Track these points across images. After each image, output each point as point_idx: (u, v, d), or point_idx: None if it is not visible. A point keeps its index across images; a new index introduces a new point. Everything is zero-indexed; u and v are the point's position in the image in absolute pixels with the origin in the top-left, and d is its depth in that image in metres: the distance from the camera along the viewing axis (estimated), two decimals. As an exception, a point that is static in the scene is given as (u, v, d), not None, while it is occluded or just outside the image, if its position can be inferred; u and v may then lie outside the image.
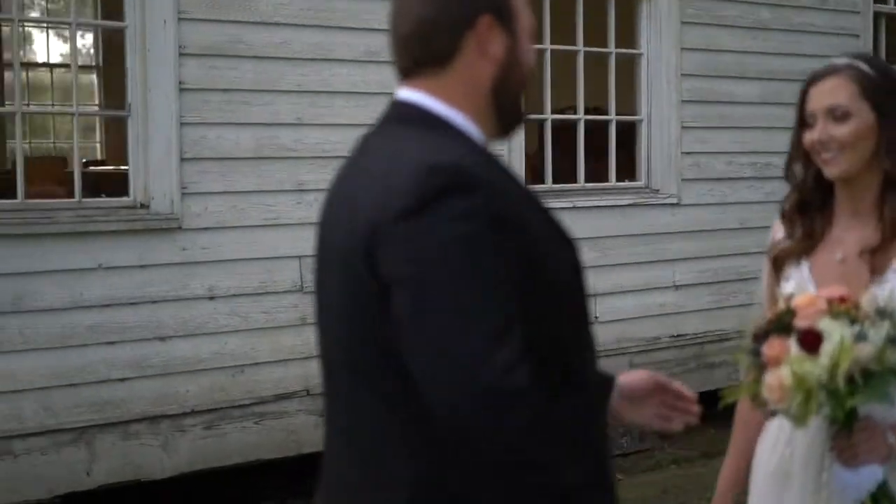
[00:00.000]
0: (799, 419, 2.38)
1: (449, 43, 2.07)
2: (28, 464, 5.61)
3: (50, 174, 9.72)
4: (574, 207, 7.42)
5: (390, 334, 1.90)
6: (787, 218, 2.87)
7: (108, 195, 6.49)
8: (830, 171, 2.73)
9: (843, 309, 2.40)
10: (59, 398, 5.67)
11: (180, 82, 5.93)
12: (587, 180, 7.73)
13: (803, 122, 2.77)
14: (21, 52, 14.13)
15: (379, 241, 1.91)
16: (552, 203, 7.03)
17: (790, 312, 2.43)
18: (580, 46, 7.65)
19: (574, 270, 2.09)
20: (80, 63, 13.69)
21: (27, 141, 12.90)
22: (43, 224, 5.58)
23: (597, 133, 7.94)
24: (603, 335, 7.42)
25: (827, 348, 2.33)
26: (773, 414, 2.46)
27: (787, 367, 2.34)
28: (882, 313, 2.41)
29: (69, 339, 5.68)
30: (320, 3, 6.38)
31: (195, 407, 6.06)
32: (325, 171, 6.15)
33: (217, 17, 6.07)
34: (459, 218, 1.86)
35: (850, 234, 2.75)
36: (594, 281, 7.40)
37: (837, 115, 2.68)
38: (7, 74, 9.99)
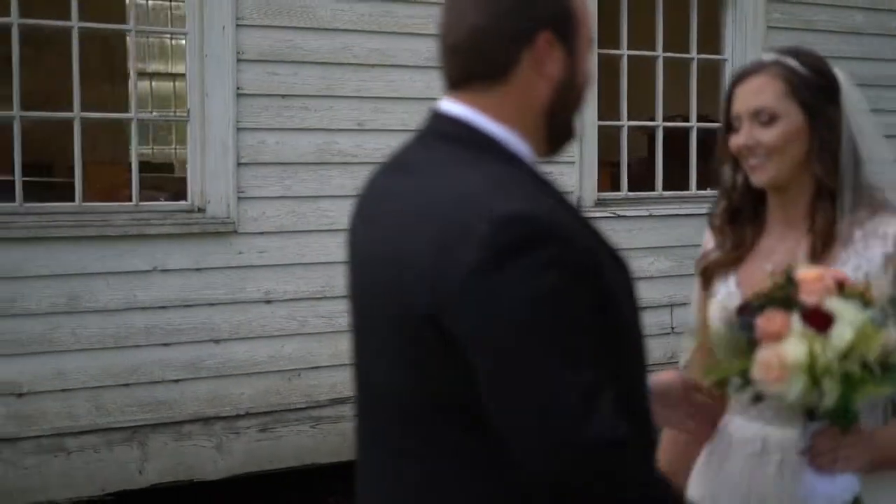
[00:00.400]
0: (793, 405, 2.16)
1: (504, 58, 1.93)
2: (81, 461, 5.72)
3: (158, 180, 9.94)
4: (650, 216, 7.29)
5: (455, 388, 1.83)
6: (716, 227, 2.69)
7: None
8: (758, 179, 2.54)
9: (857, 291, 2.19)
10: (111, 397, 5.78)
11: (238, 87, 5.99)
12: (665, 188, 7.56)
13: (729, 125, 2.58)
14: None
15: (447, 297, 1.78)
16: (628, 211, 7.02)
17: (791, 284, 2.19)
18: (659, 52, 7.50)
19: (632, 296, 1.96)
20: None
21: (149, 147, 13.34)
22: (98, 226, 5.69)
23: (678, 140, 7.78)
24: (678, 346, 7.31)
25: (842, 330, 2.10)
26: (758, 399, 2.22)
27: (794, 343, 2.10)
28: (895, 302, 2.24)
29: (123, 339, 5.78)
30: (381, 8, 6.39)
31: (250, 409, 6.11)
32: (385, 177, 6.16)
33: (275, 23, 6.12)
34: (540, 272, 1.74)
35: (782, 245, 2.55)
36: (671, 291, 7.26)
37: (763, 118, 2.49)
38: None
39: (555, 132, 2.02)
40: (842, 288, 2.18)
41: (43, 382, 5.62)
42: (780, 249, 2.54)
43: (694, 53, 7.64)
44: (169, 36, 12.90)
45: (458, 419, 1.86)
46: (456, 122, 1.95)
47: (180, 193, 6.42)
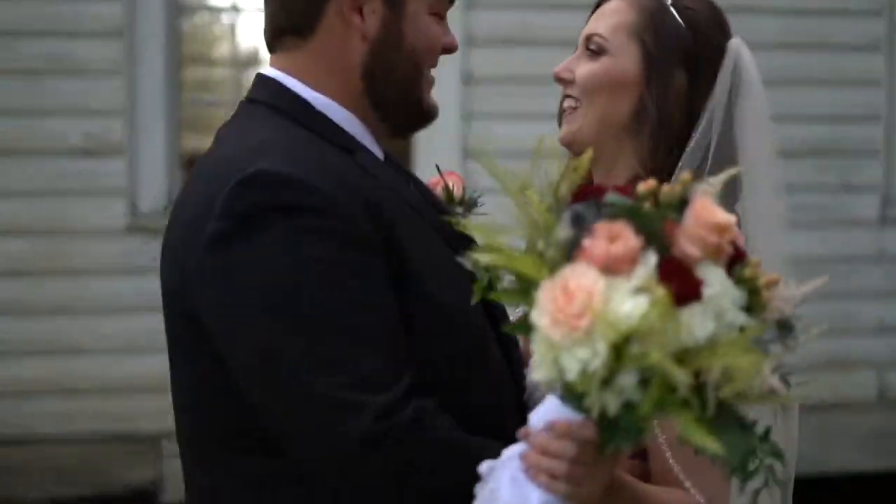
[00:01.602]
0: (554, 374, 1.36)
1: (307, 8, 1.74)
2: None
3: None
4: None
5: (221, 395, 1.65)
6: None
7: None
8: (562, 131, 1.93)
9: (751, 277, 1.41)
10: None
11: (466, 73, 5.78)
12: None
13: None
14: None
15: (191, 276, 1.62)
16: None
17: (676, 212, 1.40)
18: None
19: (467, 291, 1.65)
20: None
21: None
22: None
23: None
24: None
25: (705, 323, 1.34)
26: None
27: (631, 293, 1.32)
28: (785, 327, 1.44)
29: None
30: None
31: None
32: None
33: (509, 3, 5.85)
34: (287, 242, 1.56)
35: None
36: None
37: (592, 47, 1.91)
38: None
39: (384, 105, 1.78)
40: (735, 263, 1.41)
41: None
42: None
43: None
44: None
45: (227, 433, 1.68)
46: (267, 85, 1.79)
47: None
